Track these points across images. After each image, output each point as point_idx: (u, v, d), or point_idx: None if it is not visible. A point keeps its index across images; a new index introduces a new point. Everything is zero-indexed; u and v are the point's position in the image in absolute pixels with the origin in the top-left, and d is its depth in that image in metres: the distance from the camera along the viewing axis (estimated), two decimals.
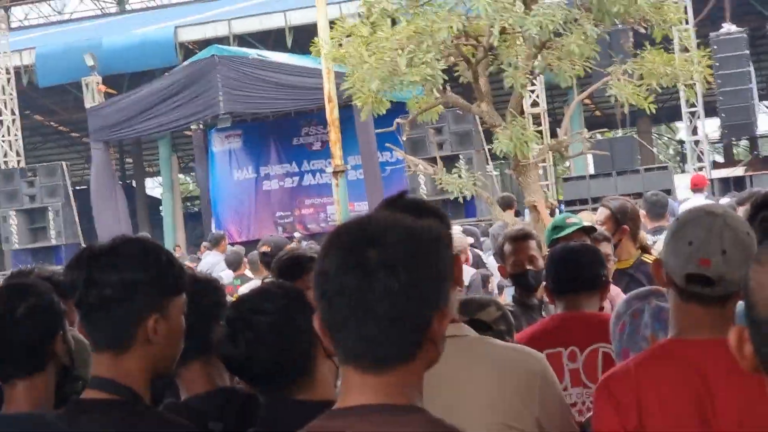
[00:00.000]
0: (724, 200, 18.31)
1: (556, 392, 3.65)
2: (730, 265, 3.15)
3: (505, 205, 17.06)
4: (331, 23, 17.02)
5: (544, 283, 5.60)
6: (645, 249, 7.71)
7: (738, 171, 33.16)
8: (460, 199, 17.85)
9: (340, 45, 16.18)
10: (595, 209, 21.44)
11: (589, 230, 6.77)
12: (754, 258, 1.73)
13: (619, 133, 37.19)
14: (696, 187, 15.16)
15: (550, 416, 3.52)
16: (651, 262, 7.37)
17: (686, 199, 17.27)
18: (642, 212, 10.82)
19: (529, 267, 6.45)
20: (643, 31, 15.71)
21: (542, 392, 3.52)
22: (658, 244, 9.77)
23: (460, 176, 16.77)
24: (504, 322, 4.62)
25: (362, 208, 29.18)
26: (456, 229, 14.38)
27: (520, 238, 6.52)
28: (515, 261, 6.51)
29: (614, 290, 6.05)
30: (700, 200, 14.32)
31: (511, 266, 6.51)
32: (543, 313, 6.48)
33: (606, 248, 6.71)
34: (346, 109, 22.71)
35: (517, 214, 19.67)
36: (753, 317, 1.69)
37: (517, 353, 3.66)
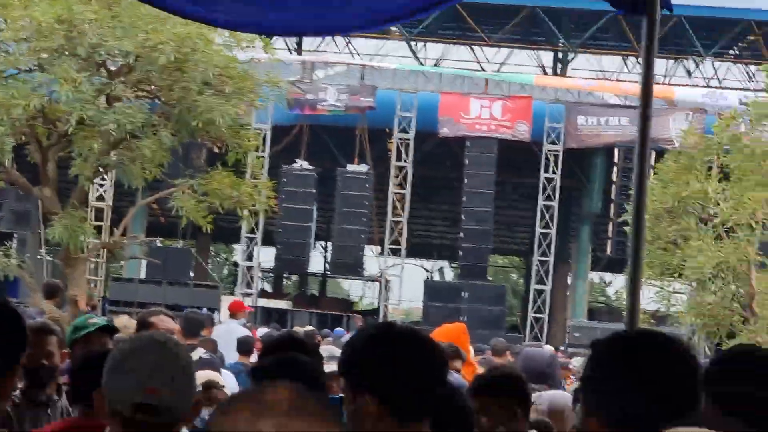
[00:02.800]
0: (262, 330, 18.76)
1: None
2: (177, 392, 3.14)
3: (48, 293, 16.62)
4: None
5: None
6: None
7: (283, 304, 34.17)
8: (1, 277, 17.35)
9: None
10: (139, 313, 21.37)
11: (111, 330, 6.72)
12: (219, 408, 1.76)
13: (179, 243, 37.44)
14: (233, 312, 15.42)
15: None
16: None
17: (224, 322, 17.54)
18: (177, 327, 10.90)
19: (44, 362, 6.28)
20: (217, 150, 16.08)
21: None
22: None
23: (6, 255, 16.32)
24: None
25: None
26: None
27: (41, 332, 6.34)
28: (31, 354, 6.32)
29: None
30: (234, 326, 14.60)
31: (27, 358, 6.32)
32: (49, 410, 6.33)
33: None
34: None
35: (60, 304, 19.24)
36: None
37: None
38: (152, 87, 15.51)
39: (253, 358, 12.94)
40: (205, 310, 20.15)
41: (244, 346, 12.69)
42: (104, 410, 3.22)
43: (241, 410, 1.70)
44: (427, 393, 3.28)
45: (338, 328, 25.31)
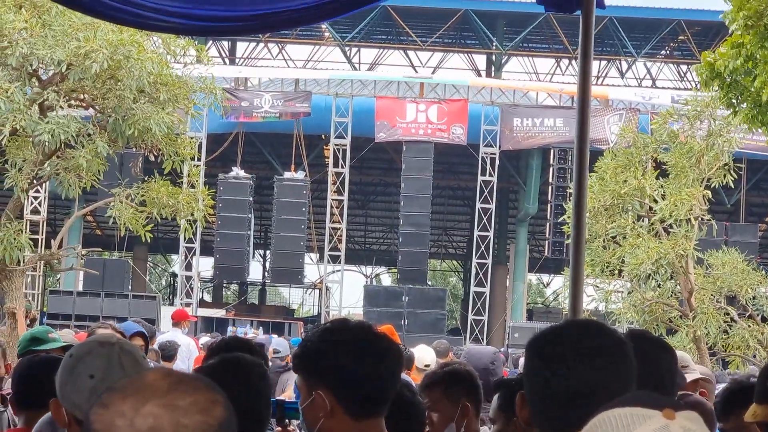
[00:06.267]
0: (205, 339, 18.61)
1: None
2: None
3: None
4: None
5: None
6: None
7: (223, 313, 33.99)
8: None
9: None
10: (79, 327, 21.13)
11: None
12: (98, 402, 1.71)
13: (115, 255, 37.12)
14: (176, 321, 15.32)
15: None
16: None
17: (167, 331, 17.40)
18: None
19: None
20: (153, 158, 15.93)
21: None
22: None
23: None
24: None
25: None
26: None
27: None
28: None
29: None
30: (177, 335, 14.48)
31: None
32: None
33: None
34: None
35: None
36: None
37: None
38: (86, 96, 15.32)
39: (178, 364, 12.90)
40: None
41: (167, 351, 12.65)
42: (63, 418, 3.16)
43: (123, 399, 1.68)
44: (382, 388, 3.26)
45: (272, 335, 25.07)
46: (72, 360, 3.17)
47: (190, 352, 14.18)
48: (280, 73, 38.51)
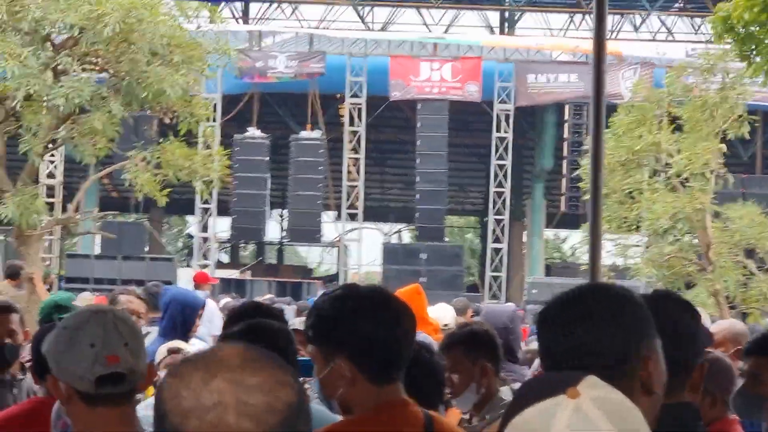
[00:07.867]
0: (225, 300, 18.70)
1: None
2: (135, 356, 3.08)
3: (11, 274, 16.43)
4: None
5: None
6: None
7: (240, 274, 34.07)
8: None
9: None
10: (97, 290, 21.22)
11: None
12: (171, 371, 1.72)
13: (132, 218, 37.17)
14: (198, 284, 15.38)
15: None
16: None
17: None
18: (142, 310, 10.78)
19: (7, 341, 6.19)
20: (168, 121, 15.94)
21: None
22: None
23: None
24: None
25: None
26: None
27: (3, 310, 6.23)
28: None
29: None
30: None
31: None
32: (15, 390, 6.24)
33: None
34: None
35: (20, 285, 19.03)
36: (165, 426, 1.66)
37: None
38: (99, 59, 15.32)
39: (200, 328, 12.86)
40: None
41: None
42: (62, 394, 3.11)
43: (193, 371, 1.69)
44: (399, 351, 3.24)
45: (310, 297, 24.96)
46: (68, 331, 3.11)
47: (212, 314, 14.23)
48: (292, 26, 38.41)
